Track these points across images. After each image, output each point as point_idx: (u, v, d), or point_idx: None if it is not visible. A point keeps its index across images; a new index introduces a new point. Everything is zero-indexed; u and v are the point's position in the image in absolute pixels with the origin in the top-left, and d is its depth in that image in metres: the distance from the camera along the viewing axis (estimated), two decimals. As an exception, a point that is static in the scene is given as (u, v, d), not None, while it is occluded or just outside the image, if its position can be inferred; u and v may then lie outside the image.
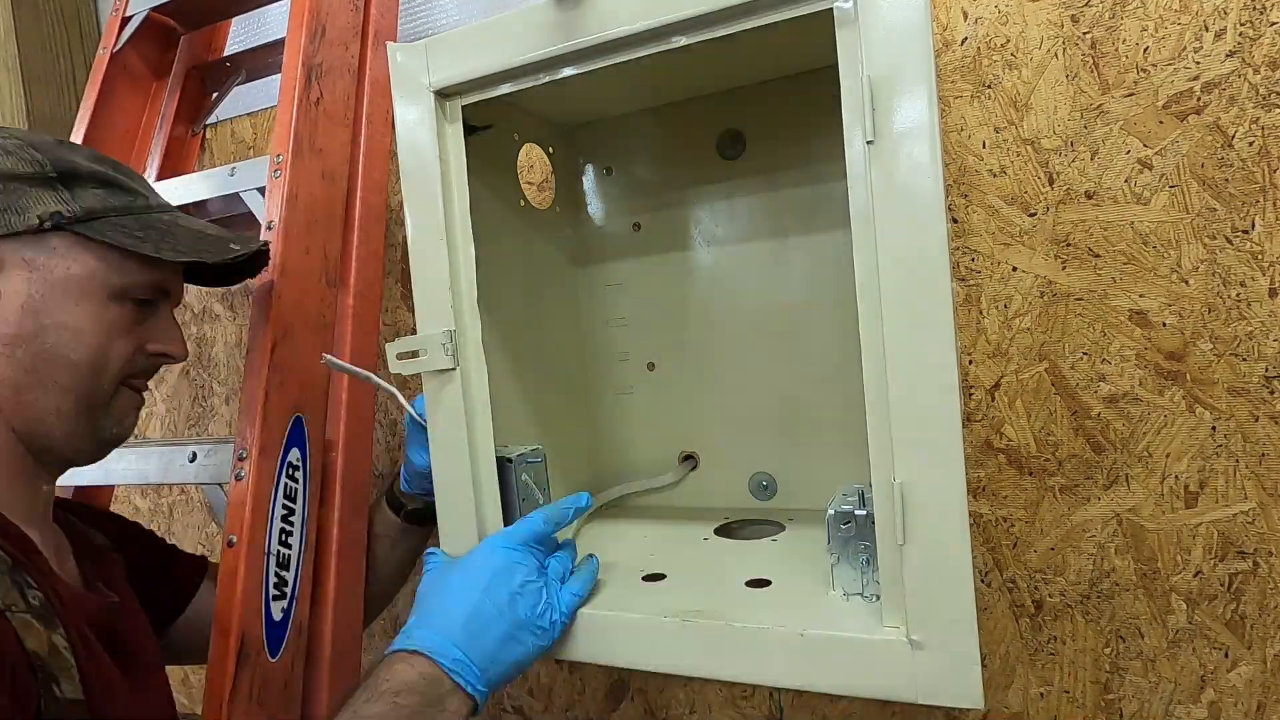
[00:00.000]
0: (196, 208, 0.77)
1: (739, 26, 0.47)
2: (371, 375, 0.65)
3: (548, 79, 0.53)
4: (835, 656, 0.45)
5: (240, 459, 0.60)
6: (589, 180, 0.78)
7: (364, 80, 0.78)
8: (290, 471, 0.63)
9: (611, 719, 0.86)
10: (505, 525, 0.57)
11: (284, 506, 0.62)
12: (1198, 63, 0.59)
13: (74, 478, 0.70)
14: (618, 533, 0.70)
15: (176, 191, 0.76)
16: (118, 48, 0.86)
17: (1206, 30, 0.58)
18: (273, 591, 0.60)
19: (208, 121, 1.01)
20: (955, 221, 0.67)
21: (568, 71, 0.52)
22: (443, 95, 0.56)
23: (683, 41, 0.48)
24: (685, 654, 0.50)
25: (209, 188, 0.74)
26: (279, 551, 0.60)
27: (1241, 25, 0.58)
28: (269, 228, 0.65)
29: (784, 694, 0.77)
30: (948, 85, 0.66)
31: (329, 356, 0.64)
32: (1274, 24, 0.57)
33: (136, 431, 0.57)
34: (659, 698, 0.84)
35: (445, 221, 0.55)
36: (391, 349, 0.57)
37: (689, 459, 0.75)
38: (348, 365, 0.66)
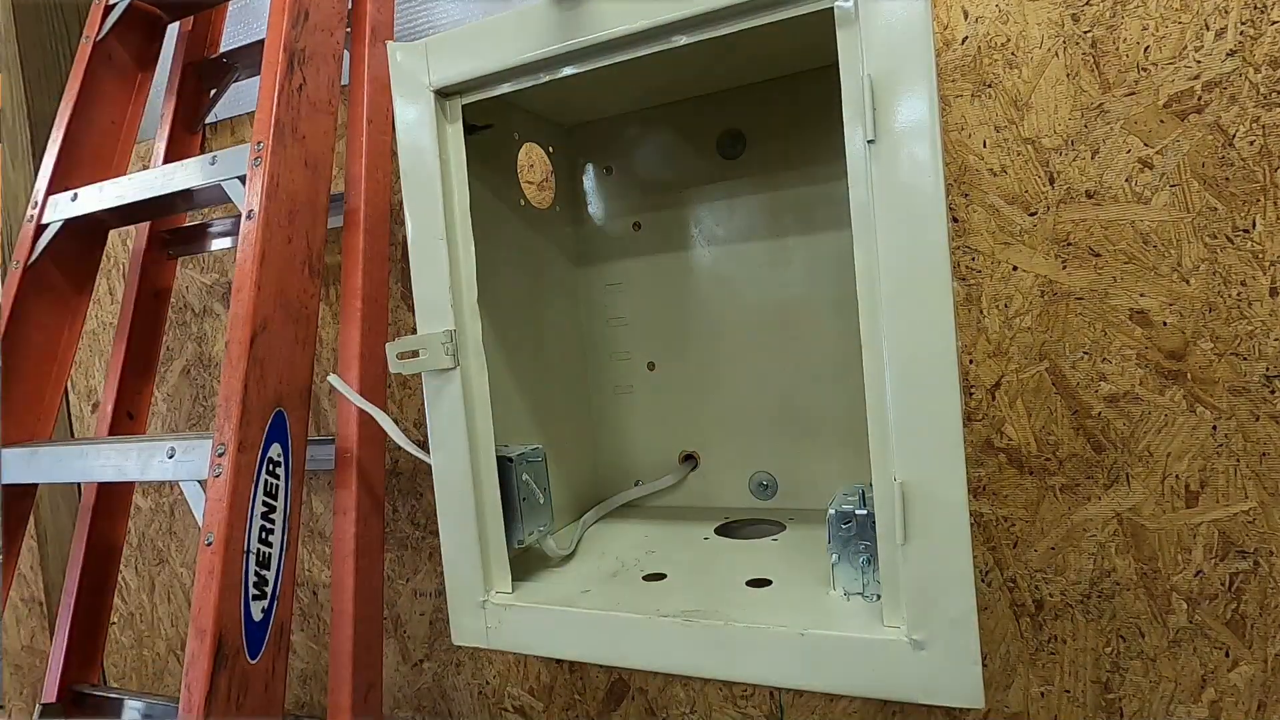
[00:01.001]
0: (181, 197, 0.76)
1: (739, 26, 0.47)
2: (372, 407, 0.65)
3: (548, 78, 0.53)
4: (836, 656, 0.45)
5: (219, 455, 0.59)
6: (589, 180, 0.78)
7: (364, 78, 0.77)
8: (271, 468, 0.62)
9: (612, 718, 0.86)
10: (506, 525, 0.57)
11: (264, 504, 0.61)
12: (1198, 61, 0.59)
13: (49, 473, 0.69)
14: (619, 532, 0.70)
15: (156, 182, 0.75)
16: (100, 36, 0.85)
17: (1207, 29, 0.58)
18: (252, 591, 0.59)
19: (208, 120, 1.01)
20: (956, 221, 0.67)
21: (568, 71, 0.52)
22: (443, 94, 0.56)
23: (683, 41, 0.48)
24: (685, 654, 0.50)
25: (189, 177, 0.73)
26: (259, 550, 0.59)
27: (1242, 24, 0.57)
28: (249, 216, 0.64)
29: (785, 693, 0.77)
30: (948, 84, 0.66)
31: (334, 378, 0.65)
32: (1275, 23, 0.57)
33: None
34: (659, 697, 0.84)
35: (445, 221, 0.55)
36: (392, 349, 0.57)
37: (689, 459, 0.75)
38: (351, 392, 0.66)
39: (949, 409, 0.42)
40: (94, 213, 0.77)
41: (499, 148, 0.68)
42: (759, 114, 0.69)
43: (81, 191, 0.78)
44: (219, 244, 0.96)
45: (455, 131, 0.56)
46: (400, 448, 0.62)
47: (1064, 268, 0.64)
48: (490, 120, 0.64)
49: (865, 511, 0.49)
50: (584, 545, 0.67)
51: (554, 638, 0.54)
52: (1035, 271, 0.65)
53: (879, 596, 0.47)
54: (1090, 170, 0.62)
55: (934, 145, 0.42)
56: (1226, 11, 0.58)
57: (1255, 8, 0.57)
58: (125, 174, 0.82)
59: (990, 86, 0.65)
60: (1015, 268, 0.66)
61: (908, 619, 0.43)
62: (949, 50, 0.66)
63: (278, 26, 0.69)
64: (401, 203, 0.58)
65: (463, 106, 0.56)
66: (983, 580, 0.69)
